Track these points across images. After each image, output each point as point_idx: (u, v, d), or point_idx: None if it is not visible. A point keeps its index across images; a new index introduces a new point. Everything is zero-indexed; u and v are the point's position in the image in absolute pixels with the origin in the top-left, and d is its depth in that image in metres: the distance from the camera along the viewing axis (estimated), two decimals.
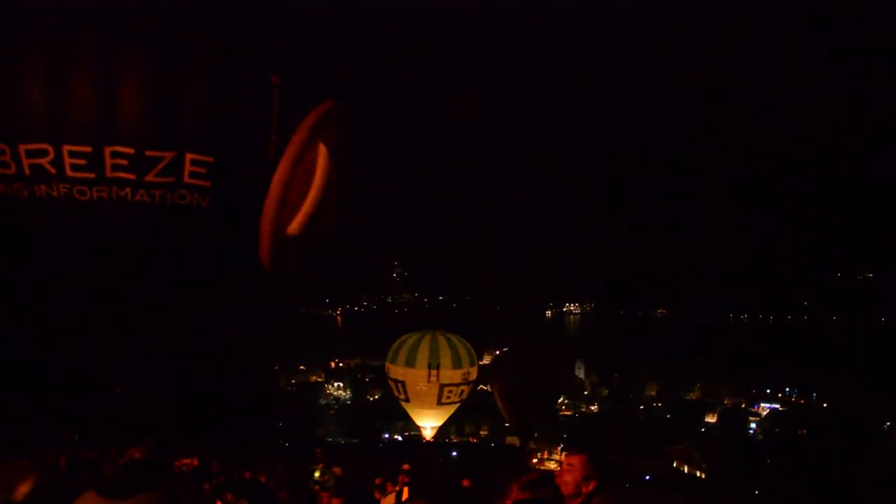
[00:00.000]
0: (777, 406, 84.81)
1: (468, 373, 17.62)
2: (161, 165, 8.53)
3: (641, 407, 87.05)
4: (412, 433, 78.54)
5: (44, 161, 8.32)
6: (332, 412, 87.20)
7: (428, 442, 19.63)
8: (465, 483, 9.61)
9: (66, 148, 8.29)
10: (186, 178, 8.66)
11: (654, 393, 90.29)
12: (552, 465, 71.62)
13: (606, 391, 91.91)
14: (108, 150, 8.35)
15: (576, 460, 4.51)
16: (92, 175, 8.43)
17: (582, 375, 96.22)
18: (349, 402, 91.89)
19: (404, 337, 17.43)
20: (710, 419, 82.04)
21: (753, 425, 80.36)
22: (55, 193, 8.50)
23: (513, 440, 75.17)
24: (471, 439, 77.15)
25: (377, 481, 11.47)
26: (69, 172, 8.39)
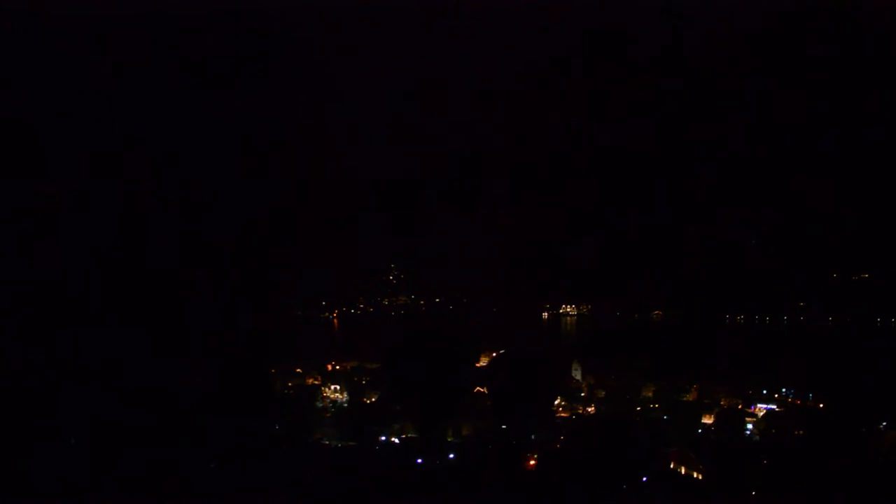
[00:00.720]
0: (773, 407, 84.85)
1: None
2: None
3: (638, 408, 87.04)
4: (409, 435, 78.55)
5: None
6: (328, 415, 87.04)
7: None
8: None
9: None
10: None
11: (650, 394, 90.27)
12: None
13: (603, 393, 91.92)
14: None
15: None
16: None
17: (579, 377, 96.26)
18: (346, 405, 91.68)
19: None
20: (707, 420, 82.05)
21: (750, 426, 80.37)
22: None
23: None
24: None
25: None
26: None
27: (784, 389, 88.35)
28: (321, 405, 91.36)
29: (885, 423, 73.06)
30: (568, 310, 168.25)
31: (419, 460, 69.94)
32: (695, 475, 67.38)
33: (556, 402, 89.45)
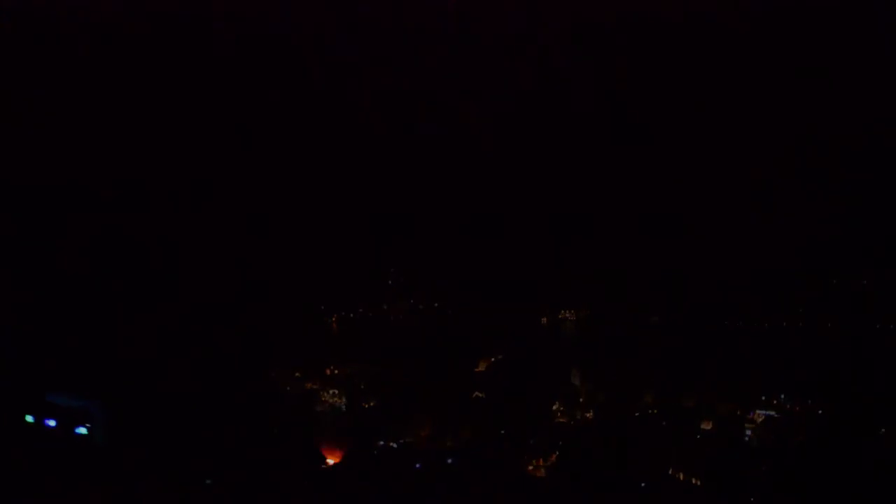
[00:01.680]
0: (773, 413, 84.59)
1: None
2: None
3: (637, 414, 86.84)
4: (407, 440, 78.40)
5: None
6: (327, 419, 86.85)
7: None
8: None
9: None
10: None
11: (649, 400, 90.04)
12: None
13: (602, 398, 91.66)
14: None
15: None
16: None
17: (577, 382, 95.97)
18: (344, 409, 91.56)
19: None
20: (706, 426, 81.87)
21: (749, 432, 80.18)
22: None
23: None
24: None
25: None
26: None
27: (783, 395, 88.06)
28: (320, 409, 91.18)
29: (884, 429, 72.97)
30: (567, 315, 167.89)
31: (417, 465, 69.84)
32: (693, 481, 67.29)
33: (555, 408, 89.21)
